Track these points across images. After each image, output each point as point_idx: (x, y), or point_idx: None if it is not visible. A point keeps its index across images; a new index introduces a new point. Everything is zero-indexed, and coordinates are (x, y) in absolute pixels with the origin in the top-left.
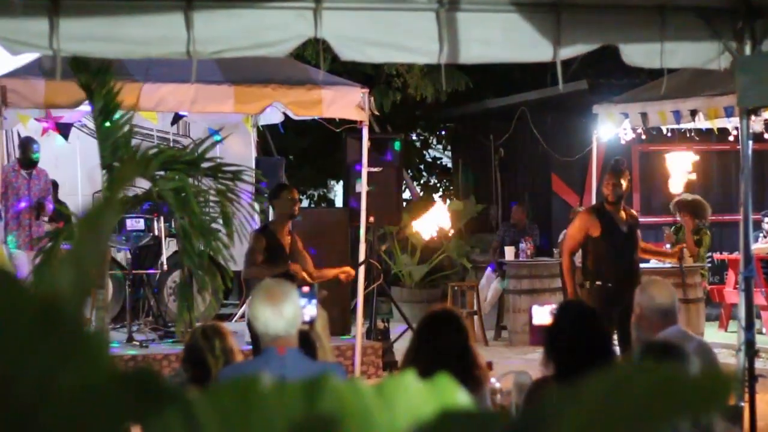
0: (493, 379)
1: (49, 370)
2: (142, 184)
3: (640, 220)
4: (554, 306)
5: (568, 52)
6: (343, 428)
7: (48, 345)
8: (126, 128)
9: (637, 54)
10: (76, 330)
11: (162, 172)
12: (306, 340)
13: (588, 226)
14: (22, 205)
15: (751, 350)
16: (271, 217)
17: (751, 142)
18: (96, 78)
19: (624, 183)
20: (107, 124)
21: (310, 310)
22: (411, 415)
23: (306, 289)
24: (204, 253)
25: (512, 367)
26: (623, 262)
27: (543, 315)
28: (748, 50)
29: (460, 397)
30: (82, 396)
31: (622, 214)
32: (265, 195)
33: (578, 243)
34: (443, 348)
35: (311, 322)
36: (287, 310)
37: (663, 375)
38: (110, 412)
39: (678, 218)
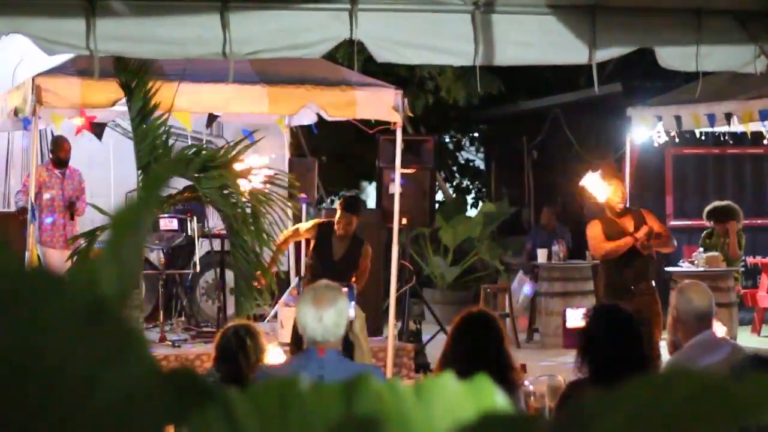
0: (526, 382)
1: (96, 368)
2: (175, 185)
3: (672, 223)
4: (587, 309)
5: (604, 54)
6: (381, 429)
7: (95, 343)
8: (162, 128)
9: (673, 57)
10: (122, 328)
11: (199, 173)
12: (344, 341)
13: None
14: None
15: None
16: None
17: None
18: (136, 77)
19: None
20: (144, 124)
21: (349, 311)
22: (450, 417)
23: (345, 290)
24: (257, 252)
25: (545, 369)
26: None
27: (576, 318)
28: None
29: (499, 399)
30: (128, 395)
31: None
32: (300, 199)
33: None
34: (478, 350)
35: (349, 324)
36: (328, 318)
37: (706, 381)
38: (155, 411)
39: (709, 224)
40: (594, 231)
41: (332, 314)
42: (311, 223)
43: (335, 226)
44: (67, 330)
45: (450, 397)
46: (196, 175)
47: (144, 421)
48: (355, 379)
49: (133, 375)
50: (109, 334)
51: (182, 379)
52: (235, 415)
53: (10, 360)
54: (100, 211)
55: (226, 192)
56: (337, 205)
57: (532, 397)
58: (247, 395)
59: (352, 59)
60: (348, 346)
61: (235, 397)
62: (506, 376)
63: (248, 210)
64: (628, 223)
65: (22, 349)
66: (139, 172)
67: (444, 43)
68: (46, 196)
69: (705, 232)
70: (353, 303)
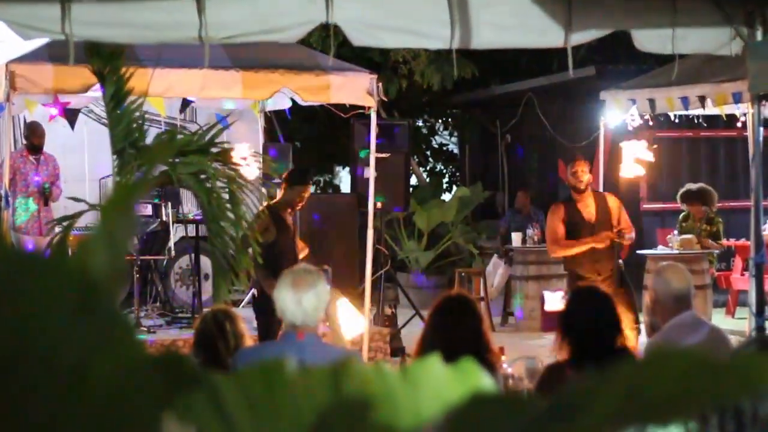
0: (504, 365)
1: (88, 353)
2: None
3: (645, 206)
4: (566, 291)
5: (580, 37)
6: (369, 412)
7: (86, 328)
8: (137, 114)
9: (648, 40)
10: (113, 314)
11: (174, 158)
12: None
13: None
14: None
15: (761, 335)
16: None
17: (762, 128)
18: (108, 63)
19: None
20: (118, 110)
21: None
22: (437, 400)
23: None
24: (237, 236)
25: (521, 352)
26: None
27: (555, 301)
28: (759, 36)
29: (485, 381)
30: (120, 379)
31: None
32: (275, 180)
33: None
34: (457, 333)
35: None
36: (308, 301)
37: (697, 359)
38: (146, 396)
39: (683, 207)
40: (553, 221)
41: (311, 298)
42: (261, 216)
43: (294, 204)
44: (59, 315)
45: (436, 380)
46: (170, 160)
47: (137, 407)
48: (341, 362)
49: (126, 360)
50: (101, 319)
51: (170, 362)
52: (222, 398)
53: (1, 345)
54: (77, 200)
55: (202, 177)
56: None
57: (510, 380)
58: (233, 379)
59: (327, 44)
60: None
61: (221, 381)
62: (485, 359)
63: (225, 195)
64: (590, 206)
65: (13, 334)
66: (114, 157)
67: (420, 26)
68: (20, 182)
69: (681, 215)
70: (329, 286)
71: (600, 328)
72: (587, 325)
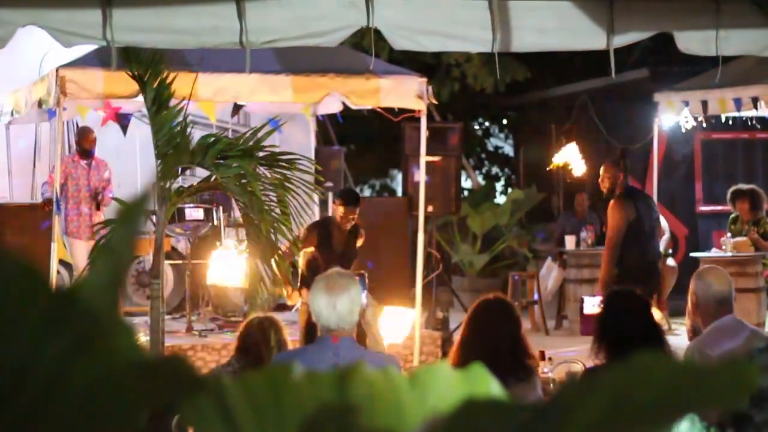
0: (546, 369)
1: (63, 361)
2: (201, 175)
3: (701, 208)
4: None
5: (622, 39)
6: (367, 416)
7: (61, 337)
8: (180, 118)
9: (692, 41)
10: (93, 321)
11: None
12: (357, 329)
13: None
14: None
15: None
16: (331, 209)
17: None
18: (149, 68)
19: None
20: (160, 114)
21: (361, 299)
22: (443, 404)
23: (356, 278)
24: (274, 240)
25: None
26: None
27: (593, 304)
28: None
29: (493, 386)
30: (100, 387)
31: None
32: (326, 185)
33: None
34: (494, 337)
35: (362, 312)
36: (342, 305)
37: (684, 366)
38: (131, 400)
39: (731, 207)
40: (622, 219)
41: (345, 301)
42: (305, 232)
43: (338, 221)
44: (32, 324)
45: (444, 385)
46: (215, 163)
47: (118, 411)
48: (349, 367)
49: (106, 364)
50: (78, 326)
51: (172, 367)
52: (228, 402)
53: None
54: (122, 203)
55: (243, 181)
56: (335, 200)
57: (551, 384)
58: (240, 383)
59: (378, 47)
60: (359, 333)
61: (228, 386)
62: (522, 363)
63: (272, 198)
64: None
65: None
66: (158, 161)
67: (461, 30)
68: (72, 186)
69: (730, 217)
70: (365, 291)
71: (635, 332)
72: (622, 329)
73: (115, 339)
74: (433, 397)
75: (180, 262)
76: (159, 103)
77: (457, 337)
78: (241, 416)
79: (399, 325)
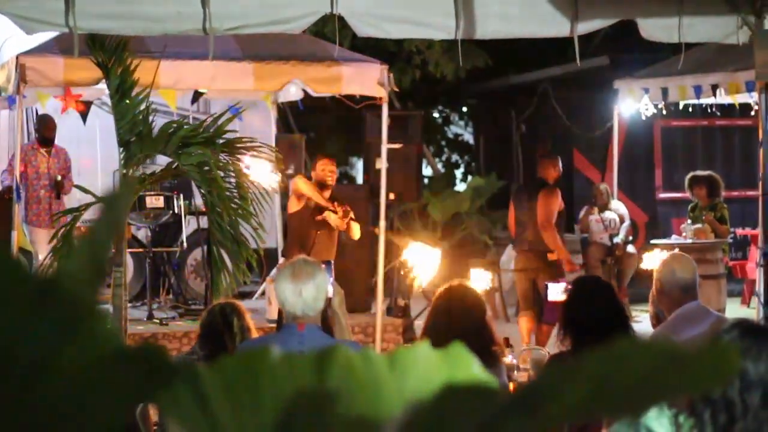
0: (510, 356)
1: (49, 349)
2: (163, 162)
3: (661, 195)
4: (568, 282)
5: (586, 27)
6: (347, 400)
7: (46, 324)
8: (143, 106)
9: (655, 29)
10: (77, 309)
11: (180, 149)
12: (323, 317)
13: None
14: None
15: (743, 319)
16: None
17: None
18: (112, 55)
19: None
20: (124, 102)
21: (328, 287)
22: (422, 386)
23: (322, 266)
24: (235, 226)
25: (531, 343)
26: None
27: (557, 291)
28: (766, 24)
29: (474, 367)
30: (85, 373)
31: None
32: (287, 172)
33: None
34: (459, 323)
35: (328, 300)
36: (307, 292)
37: (665, 349)
38: (116, 388)
39: (690, 195)
40: (555, 204)
41: (311, 288)
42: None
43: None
44: (17, 310)
45: (424, 366)
46: (177, 150)
47: (106, 398)
48: (326, 350)
49: (90, 354)
50: (63, 313)
51: (147, 355)
52: (204, 389)
53: None
54: (85, 191)
55: (206, 169)
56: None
57: (515, 371)
58: (216, 370)
59: (341, 34)
60: (326, 321)
61: (204, 372)
62: (487, 350)
63: (232, 185)
64: None
65: None
66: (121, 149)
67: (425, 17)
68: (32, 174)
69: (690, 204)
70: (332, 279)
71: (601, 318)
72: (588, 315)
73: (96, 327)
74: (412, 379)
75: (140, 250)
76: (123, 91)
77: (422, 324)
78: (218, 402)
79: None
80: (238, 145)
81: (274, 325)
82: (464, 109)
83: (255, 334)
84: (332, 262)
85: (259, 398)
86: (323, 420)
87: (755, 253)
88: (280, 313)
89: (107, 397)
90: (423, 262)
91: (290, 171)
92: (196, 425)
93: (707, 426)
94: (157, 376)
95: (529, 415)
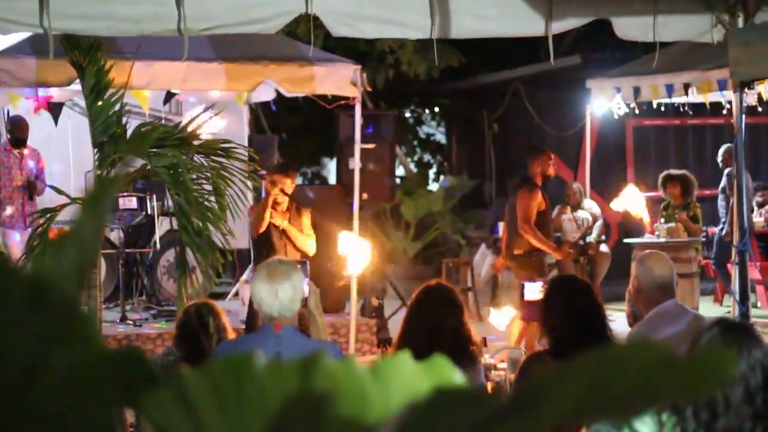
0: (487, 355)
1: (41, 349)
2: (134, 163)
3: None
4: (545, 281)
5: (561, 26)
6: (335, 404)
7: (38, 324)
8: (117, 107)
9: (630, 27)
10: (68, 310)
11: (155, 150)
12: (299, 318)
13: (539, 200)
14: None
15: (724, 318)
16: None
17: (744, 116)
18: (87, 55)
19: None
20: (98, 102)
21: (304, 287)
22: (406, 396)
23: (298, 266)
24: (202, 230)
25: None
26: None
27: (534, 290)
28: (740, 23)
29: (456, 377)
30: (75, 376)
31: None
32: (260, 173)
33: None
34: (438, 323)
35: (304, 300)
36: (284, 293)
37: (659, 353)
38: (103, 392)
39: (662, 194)
40: (532, 203)
41: (287, 289)
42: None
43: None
44: (10, 311)
45: (406, 375)
46: (150, 152)
47: (93, 402)
48: (311, 357)
49: (80, 356)
50: (55, 314)
51: (130, 359)
52: (190, 394)
53: None
54: (59, 192)
55: (179, 170)
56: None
57: (492, 370)
58: (202, 373)
59: (311, 34)
60: (302, 322)
61: (189, 376)
62: (465, 350)
63: (207, 187)
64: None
65: None
66: (95, 150)
67: (400, 16)
68: (5, 176)
69: (663, 203)
70: (307, 279)
71: (578, 317)
72: (565, 314)
73: (83, 329)
74: (396, 389)
75: (113, 251)
76: (97, 91)
77: (397, 324)
78: (203, 407)
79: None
80: (216, 147)
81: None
82: (436, 109)
83: (231, 335)
84: (307, 262)
85: (244, 404)
86: (318, 422)
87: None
88: (249, 313)
89: (94, 400)
90: (354, 252)
91: (263, 172)
92: (179, 429)
93: (690, 423)
94: (140, 379)
95: (521, 418)
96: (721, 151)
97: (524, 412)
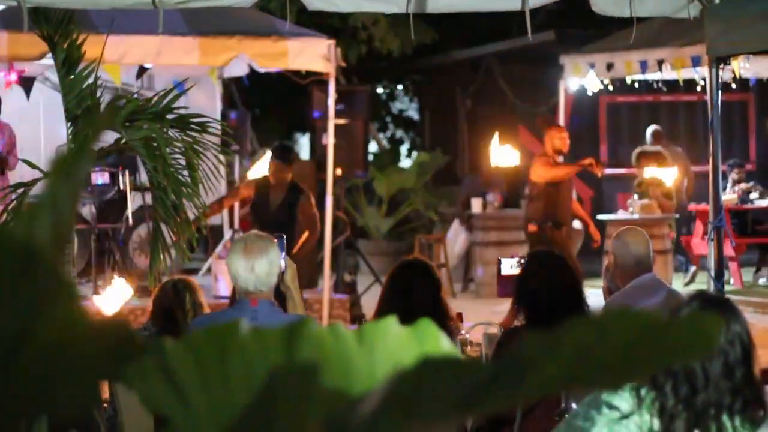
0: (462, 331)
1: (29, 318)
2: (107, 138)
3: (606, 171)
4: (522, 256)
5: (538, 0)
6: (322, 374)
7: (28, 293)
8: (90, 80)
9: (606, 3)
10: (55, 279)
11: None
12: (276, 293)
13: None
14: None
15: (703, 291)
16: (237, 172)
17: (720, 92)
18: (58, 29)
19: None
20: (70, 76)
21: (280, 262)
22: (392, 361)
23: (275, 240)
24: (179, 205)
25: (481, 318)
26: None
27: (511, 266)
28: None
29: (443, 342)
30: (59, 345)
31: None
32: (233, 148)
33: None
34: (415, 298)
35: (281, 275)
36: (260, 267)
37: (647, 321)
38: (87, 361)
39: (637, 171)
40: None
41: (264, 264)
42: (250, 180)
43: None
44: (3, 278)
45: (392, 341)
46: (125, 125)
47: (78, 372)
48: (296, 324)
49: (67, 326)
50: (43, 284)
51: (116, 331)
52: (172, 364)
53: None
54: (31, 165)
55: (155, 144)
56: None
57: (468, 346)
58: (184, 344)
59: (285, 9)
60: (280, 297)
61: (171, 347)
62: (443, 325)
63: (181, 162)
64: None
65: None
66: (68, 124)
67: None
68: None
69: (637, 180)
70: (284, 254)
71: (555, 291)
72: (541, 289)
73: (68, 300)
74: (381, 355)
75: (84, 226)
76: (69, 65)
77: (373, 300)
78: (186, 377)
79: None
80: (190, 121)
81: (221, 301)
82: (409, 84)
83: (207, 311)
84: (284, 236)
85: (227, 373)
86: (306, 393)
87: (700, 228)
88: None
89: (80, 369)
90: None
91: (235, 147)
92: (163, 400)
93: (669, 398)
94: (123, 350)
95: (510, 386)
96: (649, 132)
97: (513, 379)
